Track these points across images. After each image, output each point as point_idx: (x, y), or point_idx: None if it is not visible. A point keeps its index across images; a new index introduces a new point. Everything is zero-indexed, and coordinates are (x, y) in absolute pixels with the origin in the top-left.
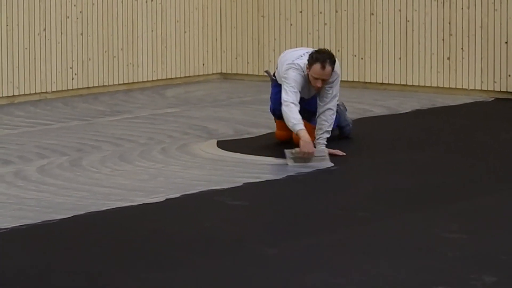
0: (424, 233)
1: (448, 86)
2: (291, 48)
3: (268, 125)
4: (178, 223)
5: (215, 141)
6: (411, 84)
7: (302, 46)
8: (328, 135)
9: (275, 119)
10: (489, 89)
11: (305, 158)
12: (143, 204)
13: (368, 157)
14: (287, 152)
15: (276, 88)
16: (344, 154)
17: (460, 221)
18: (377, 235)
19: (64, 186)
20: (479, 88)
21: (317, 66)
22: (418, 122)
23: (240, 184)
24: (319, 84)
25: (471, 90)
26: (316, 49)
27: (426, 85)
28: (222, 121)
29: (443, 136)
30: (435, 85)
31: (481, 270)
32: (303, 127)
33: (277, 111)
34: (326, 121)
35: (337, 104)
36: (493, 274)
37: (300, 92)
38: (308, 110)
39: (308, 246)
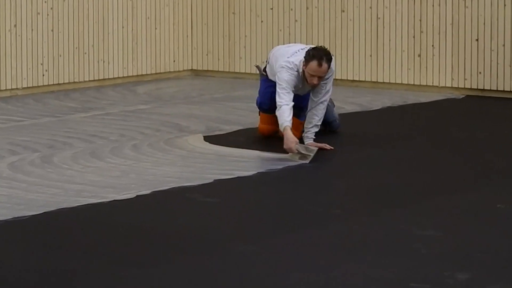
0: (399, 231)
1: (419, 83)
2: (261, 44)
3: (240, 122)
4: (150, 220)
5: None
6: (382, 81)
7: (273, 43)
8: (317, 129)
9: (259, 113)
10: (460, 86)
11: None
12: (115, 200)
13: (341, 154)
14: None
15: (266, 83)
16: (332, 148)
17: (434, 218)
18: (353, 233)
19: (35, 182)
20: (450, 85)
21: (314, 63)
22: (390, 119)
23: (211, 180)
24: (315, 81)
25: (442, 87)
26: (312, 46)
27: (397, 82)
28: (194, 118)
29: (415, 133)
30: (406, 82)
31: (455, 267)
32: (289, 125)
33: (263, 105)
34: (317, 116)
35: None
36: (467, 271)
37: (293, 91)
38: (298, 105)
39: (284, 244)
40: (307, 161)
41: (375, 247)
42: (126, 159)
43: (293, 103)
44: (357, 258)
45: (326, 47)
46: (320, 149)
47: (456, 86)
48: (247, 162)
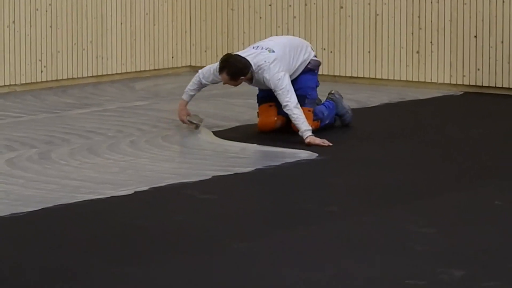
0: (394, 228)
1: (417, 80)
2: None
3: (237, 119)
4: (148, 217)
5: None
6: (380, 77)
7: None
8: (305, 125)
9: (259, 106)
10: (458, 83)
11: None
12: (112, 197)
13: (339, 151)
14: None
15: None
16: (331, 144)
17: (429, 215)
18: (349, 231)
19: (33, 178)
20: (448, 82)
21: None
22: (388, 116)
23: (209, 177)
24: (223, 83)
25: (440, 84)
26: (232, 54)
27: (396, 78)
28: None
29: (413, 130)
30: (405, 79)
31: (449, 265)
32: (184, 98)
33: (258, 93)
34: (294, 120)
35: (333, 93)
36: (461, 268)
37: (205, 83)
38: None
39: (280, 241)
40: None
41: (371, 245)
42: (124, 155)
43: (197, 86)
44: (353, 255)
45: (242, 61)
46: (320, 146)
47: (455, 82)
48: (245, 158)
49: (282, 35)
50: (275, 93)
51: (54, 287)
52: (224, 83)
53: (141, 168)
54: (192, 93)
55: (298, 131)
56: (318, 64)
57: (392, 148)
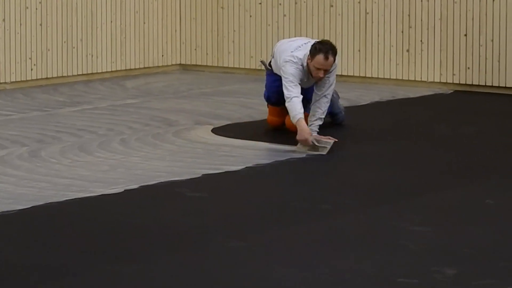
0: (387, 226)
1: (407, 79)
2: (250, 39)
3: (229, 117)
4: (138, 215)
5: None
6: (370, 76)
7: (262, 38)
8: (321, 122)
9: (267, 105)
10: (448, 81)
11: (309, 146)
12: (103, 195)
13: (330, 149)
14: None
15: (272, 77)
16: (336, 140)
17: (422, 214)
18: (341, 229)
19: (24, 177)
20: (439, 81)
21: (320, 57)
22: (379, 114)
23: (200, 175)
24: (321, 74)
25: (430, 82)
26: (317, 40)
27: (386, 77)
28: (183, 113)
29: (404, 129)
30: (395, 77)
31: (443, 263)
32: (302, 117)
33: (272, 99)
34: (320, 108)
35: None
36: (455, 267)
37: (299, 84)
38: (305, 98)
39: (272, 239)
40: (324, 153)
41: (364, 243)
42: (115, 154)
43: (302, 96)
44: (345, 253)
45: (330, 41)
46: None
47: (445, 81)
48: (236, 157)
49: (272, 33)
50: (325, 79)
51: (44, 285)
52: (322, 74)
53: (132, 166)
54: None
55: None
56: None
57: (382, 146)
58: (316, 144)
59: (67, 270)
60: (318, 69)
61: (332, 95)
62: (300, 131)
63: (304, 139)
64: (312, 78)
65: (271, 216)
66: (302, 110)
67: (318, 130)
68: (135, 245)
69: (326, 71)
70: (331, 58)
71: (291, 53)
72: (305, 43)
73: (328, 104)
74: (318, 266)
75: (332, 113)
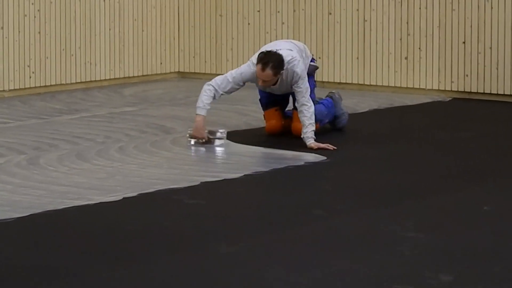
0: (382, 231)
1: (406, 86)
2: (249, 46)
3: (225, 124)
4: (136, 222)
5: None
6: (368, 83)
7: (260, 46)
8: (313, 128)
9: (263, 113)
10: (446, 89)
11: (203, 140)
12: (101, 202)
13: (327, 155)
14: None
15: None
16: (335, 148)
17: (417, 219)
18: (335, 233)
19: (21, 184)
20: (437, 88)
21: (258, 67)
22: (376, 122)
23: (198, 183)
24: (260, 82)
25: (428, 89)
26: (268, 50)
27: (384, 84)
28: (179, 120)
29: (401, 136)
30: (393, 85)
31: (438, 268)
32: (202, 113)
33: (262, 99)
34: (305, 116)
35: (333, 93)
36: (449, 272)
37: (240, 85)
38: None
39: (267, 244)
40: (218, 144)
41: (358, 248)
42: (112, 161)
43: (219, 94)
44: (339, 259)
45: (279, 53)
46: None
47: (443, 88)
48: (234, 164)
49: (270, 40)
50: (296, 89)
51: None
52: (261, 83)
53: (130, 174)
54: (209, 107)
55: (299, 133)
56: (315, 69)
57: (380, 152)
58: (210, 137)
59: (63, 277)
60: (258, 77)
61: (335, 96)
62: (195, 128)
63: (200, 136)
64: (284, 85)
65: (267, 223)
66: (206, 103)
67: (314, 137)
68: (133, 251)
69: (266, 82)
70: (268, 71)
71: (299, 60)
72: (279, 49)
73: (312, 109)
74: (312, 271)
75: (335, 116)
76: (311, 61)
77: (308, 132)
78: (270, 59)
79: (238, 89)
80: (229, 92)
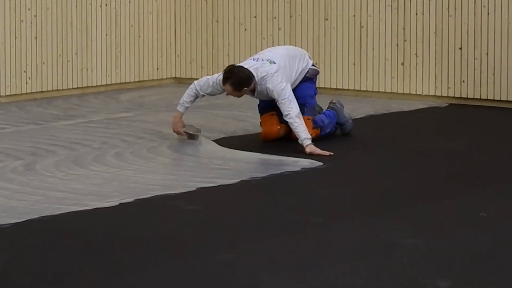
0: (379, 238)
1: (402, 92)
2: (245, 52)
3: (222, 130)
4: (133, 228)
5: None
6: (365, 89)
7: (256, 52)
8: (303, 128)
9: (260, 119)
10: (443, 94)
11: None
12: (97, 208)
13: (323, 162)
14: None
15: None
16: (332, 153)
17: (414, 225)
18: (333, 240)
19: (18, 190)
20: (433, 94)
21: (222, 81)
22: (373, 128)
23: (194, 188)
24: (226, 94)
25: (425, 95)
26: (236, 65)
27: (381, 90)
28: None
29: (398, 142)
30: (390, 91)
31: (436, 275)
32: (180, 110)
33: (260, 103)
34: (295, 129)
35: (334, 102)
36: (447, 279)
37: (207, 93)
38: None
39: (264, 251)
40: (196, 140)
41: (355, 255)
42: (109, 167)
43: (202, 93)
44: (337, 265)
45: (239, 69)
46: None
47: (440, 94)
48: (230, 170)
49: (267, 46)
50: (278, 103)
51: None
52: (227, 94)
53: (126, 179)
54: (188, 105)
55: (298, 139)
56: (316, 73)
57: (376, 159)
58: (190, 132)
59: (60, 283)
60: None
61: (336, 105)
62: (172, 123)
63: (175, 130)
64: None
65: (263, 229)
66: (185, 102)
67: (309, 136)
68: (129, 257)
69: (232, 94)
70: (227, 87)
71: (273, 76)
72: (254, 60)
73: (298, 121)
74: (310, 278)
75: (338, 124)
76: (311, 66)
77: (302, 137)
78: (231, 76)
79: (219, 94)
80: (210, 94)
